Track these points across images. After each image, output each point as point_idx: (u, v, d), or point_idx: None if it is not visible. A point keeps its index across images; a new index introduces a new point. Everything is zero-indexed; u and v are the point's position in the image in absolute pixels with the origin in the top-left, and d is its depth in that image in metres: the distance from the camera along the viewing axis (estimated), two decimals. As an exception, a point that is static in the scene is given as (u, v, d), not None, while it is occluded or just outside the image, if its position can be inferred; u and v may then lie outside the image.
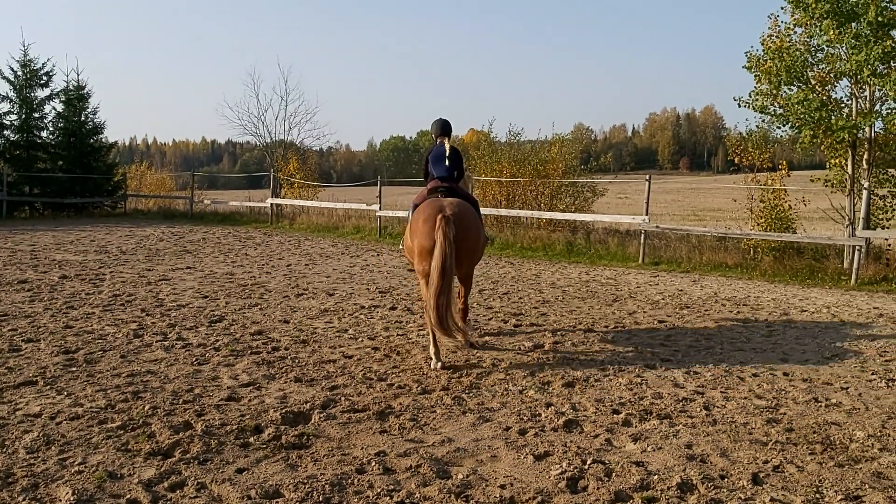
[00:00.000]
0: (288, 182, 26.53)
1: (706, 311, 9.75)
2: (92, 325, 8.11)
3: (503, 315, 9.04)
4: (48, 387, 5.79)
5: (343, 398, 5.59)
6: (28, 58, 26.51)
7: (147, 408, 5.27)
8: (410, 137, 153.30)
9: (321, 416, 5.19)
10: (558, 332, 8.10)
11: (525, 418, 5.23)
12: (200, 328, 8.09)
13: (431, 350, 6.70)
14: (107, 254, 14.93)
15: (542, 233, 16.85)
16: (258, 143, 31.04)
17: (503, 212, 17.54)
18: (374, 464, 4.34)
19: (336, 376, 6.23)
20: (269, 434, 4.81)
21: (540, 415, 5.31)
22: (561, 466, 4.34)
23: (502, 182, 18.90)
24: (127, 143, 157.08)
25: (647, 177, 15.59)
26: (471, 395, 5.76)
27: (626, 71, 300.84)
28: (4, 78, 26.22)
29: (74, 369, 6.31)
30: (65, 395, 5.59)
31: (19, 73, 26.38)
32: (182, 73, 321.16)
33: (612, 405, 5.57)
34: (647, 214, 14.91)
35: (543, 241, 16.38)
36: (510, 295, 10.57)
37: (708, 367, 6.77)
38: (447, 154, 7.66)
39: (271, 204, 24.26)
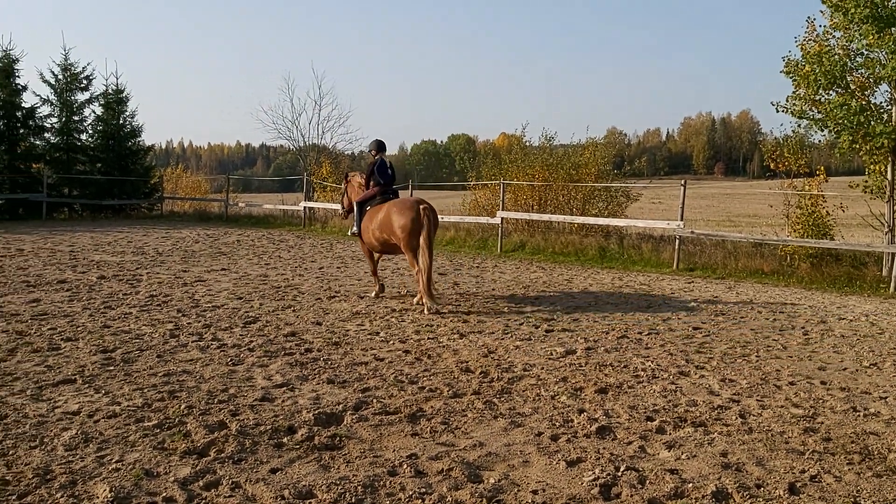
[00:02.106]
0: (321, 185, 26.73)
1: (742, 317, 9.62)
2: (129, 325, 8.24)
3: (535, 320, 9.00)
4: (86, 385, 5.89)
5: (375, 400, 5.62)
6: (69, 62, 27.13)
7: (183, 407, 5.34)
8: (441, 142, 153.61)
9: (353, 417, 5.21)
10: (591, 338, 8.04)
11: (557, 424, 5.20)
12: (235, 329, 8.18)
13: (426, 298, 9.34)
14: (144, 255, 15.18)
15: (575, 238, 16.75)
16: (292, 147, 31.33)
17: (535, 216, 17.45)
18: (405, 466, 4.35)
19: (368, 378, 6.26)
20: (302, 434, 4.85)
21: (572, 421, 5.28)
22: (594, 473, 4.30)
23: (534, 186, 18.83)
24: (164, 147, 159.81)
25: (682, 182, 15.41)
26: (502, 399, 5.75)
27: (661, 75, 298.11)
28: (45, 82, 26.84)
29: (112, 368, 6.42)
30: (102, 393, 5.69)
31: (60, 76, 26.97)
32: (218, 78, 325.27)
33: (645, 412, 5.52)
34: (681, 220, 14.75)
35: (576, 246, 16.28)
36: (541, 300, 10.53)
37: (743, 375, 6.68)
38: (389, 165, 10.70)
39: (304, 207, 24.46)
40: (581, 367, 6.80)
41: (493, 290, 11.41)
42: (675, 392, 6.09)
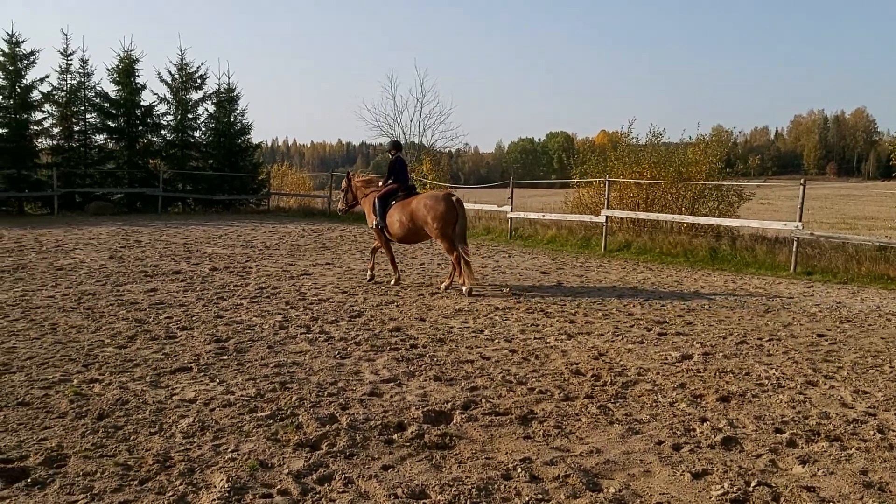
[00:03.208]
0: (421, 183, 26.87)
1: (869, 325, 8.96)
2: (240, 316, 8.43)
3: (646, 322, 8.64)
4: (202, 374, 6.02)
5: (483, 400, 5.48)
6: (184, 62, 28.30)
7: (294, 399, 5.36)
8: (539, 139, 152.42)
9: (462, 416, 5.09)
10: (707, 343, 7.65)
11: (678, 433, 4.92)
12: (341, 322, 8.23)
13: (467, 279, 10.36)
14: (252, 248, 15.61)
15: (683, 238, 16.10)
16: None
17: (642, 215, 16.87)
18: (519, 470, 4.19)
19: (475, 377, 6.13)
20: (412, 432, 4.76)
21: (694, 430, 4.98)
22: (722, 487, 4.02)
23: (641, 184, 18.25)
24: (269, 144, 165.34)
25: (802, 181, 14.55)
26: (617, 404, 5.50)
27: (770, 71, 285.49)
28: (163, 81, 28.10)
29: (225, 358, 6.55)
30: (217, 382, 5.79)
31: (176, 76, 28.17)
32: (321, 78, 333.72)
33: (773, 423, 5.15)
34: (800, 221, 13.94)
35: (684, 246, 15.64)
36: (651, 302, 10.13)
37: (878, 387, 6.18)
38: (407, 164, 11.56)
39: (405, 204, 24.64)
40: (699, 373, 6.45)
41: (599, 290, 11.09)
42: (804, 403, 5.67)
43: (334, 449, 4.44)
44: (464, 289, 10.39)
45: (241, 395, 5.43)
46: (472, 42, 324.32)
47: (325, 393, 5.56)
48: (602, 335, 7.88)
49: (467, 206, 22.97)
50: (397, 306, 9.34)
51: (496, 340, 7.53)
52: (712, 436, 4.85)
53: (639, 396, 5.72)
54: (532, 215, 19.73)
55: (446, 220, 10.40)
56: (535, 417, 5.14)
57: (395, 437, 4.69)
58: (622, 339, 7.73)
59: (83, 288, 10.09)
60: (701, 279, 12.71)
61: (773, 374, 6.47)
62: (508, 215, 19.75)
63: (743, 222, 15.93)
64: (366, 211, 11.89)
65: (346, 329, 7.90)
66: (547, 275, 12.68)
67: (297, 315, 8.58)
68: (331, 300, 9.67)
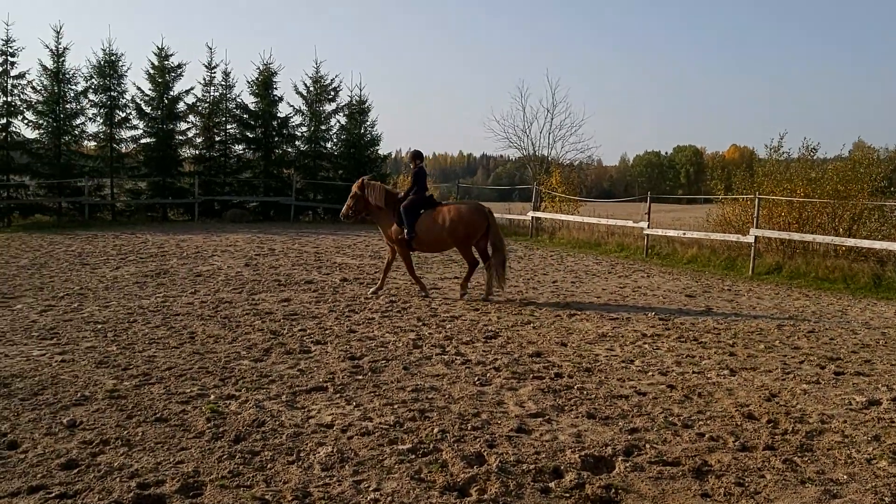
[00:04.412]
0: (549, 195, 26.20)
1: None
2: (373, 331, 8.16)
3: (817, 359, 7.68)
4: (337, 395, 5.72)
5: (647, 445, 4.85)
6: (319, 74, 28.93)
7: (436, 431, 4.94)
8: (666, 153, 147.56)
9: (626, 465, 4.49)
10: (894, 386, 6.66)
11: (886, 499, 4.13)
12: (477, 344, 7.80)
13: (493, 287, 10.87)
14: (381, 259, 15.49)
15: (842, 262, 14.67)
16: (521, 155, 30.90)
17: (796, 236, 15.49)
18: (703, 539, 3.56)
19: (633, 416, 5.50)
20: (570, 480, 4.22)
21: (906, 498, 4.18)
22: (967, 584, 3.25)
23: (793, 202, 16.86)
24: (393, 156, 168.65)
25: None
26: (804, 458, 4.74)
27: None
28: (298, 93, 28.86)
29: (360, 378, 6.24)
30: (353, 405, 5.47)
31: (311, 88, 28.84)
32: (442, 90, 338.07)
33: None
34: None
35: (844, 271, 14.22)
36: (817, 334, 9.08)
37: None
38: (427, 175, 11.43)
39: (532, 217, 24.03)
40: (893, 422, 5.55)
41: (755, 318, 10.11)
42: None
43: (485, 496, 3.96)
44: (483, 296, 10.87)
45: (380, 423, 5.06)
46: (597, 54, 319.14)
47: (469, 426, 5.10)
48: (770, 372, 7.03)
49: (600, 221, 22.21)
50: (534, 328, 8.82)
51: (650, 373, 6.85)
52: (932, 508, 4.04)
53: (828, 450, 4.92)
54: (671, 232, 18.65)
55: (474, 230, 10.71)
56: (711, 470, 4.47)
57: (551, 485, 4.16)
58: (793, 377, 6.85)
59: (220, 295, 10.17)
60: (867, 309, 11.44)
61: None
62: (645, 232, 18.77)
63: (913, 246, 14.31)
64: (381, 222, 11.37)
65: (483, 352, 7.44)
66: (693, 298, 11.77)
67: (430, 333, 8.22)
68: (463, 318, 9.27)
